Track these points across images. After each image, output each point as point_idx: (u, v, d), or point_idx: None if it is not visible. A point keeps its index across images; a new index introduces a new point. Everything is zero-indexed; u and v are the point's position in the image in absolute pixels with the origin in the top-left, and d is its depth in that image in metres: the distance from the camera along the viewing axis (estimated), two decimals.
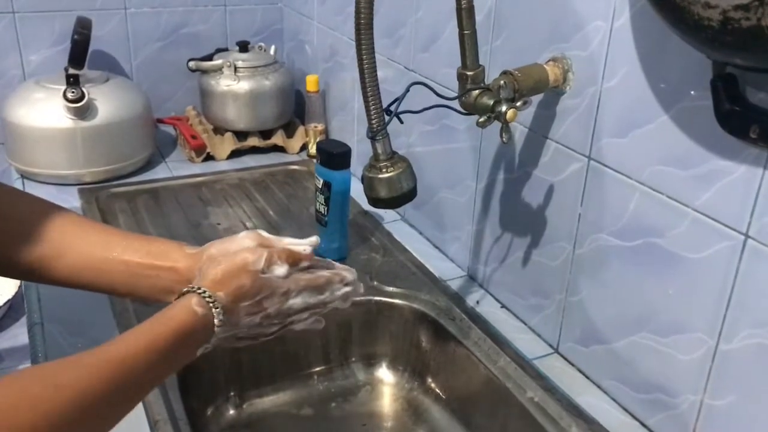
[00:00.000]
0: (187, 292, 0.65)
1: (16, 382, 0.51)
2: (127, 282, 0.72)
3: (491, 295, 1.05)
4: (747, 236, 0.66)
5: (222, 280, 0.66)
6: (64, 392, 0.51)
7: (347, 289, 0.76)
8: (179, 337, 0.62)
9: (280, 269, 0.70)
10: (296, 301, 0.71)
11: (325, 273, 0.75)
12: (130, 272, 0.71)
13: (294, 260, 0.72)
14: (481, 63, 0.79)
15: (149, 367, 0.59)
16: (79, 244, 0.71)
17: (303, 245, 0.74)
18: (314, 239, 0.76)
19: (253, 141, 1.53)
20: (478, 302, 1.04)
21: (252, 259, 0.68)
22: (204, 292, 0.65)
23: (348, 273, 0.77)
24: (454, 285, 1.08)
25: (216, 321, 0.65)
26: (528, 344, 0.94)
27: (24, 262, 0.70)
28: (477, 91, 0.79)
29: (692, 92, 0.68)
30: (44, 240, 0.70)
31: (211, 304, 0.65)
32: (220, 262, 0.68)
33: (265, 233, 0.74)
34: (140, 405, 0.80)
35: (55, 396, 0.51)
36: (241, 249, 0.70)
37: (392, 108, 0.76)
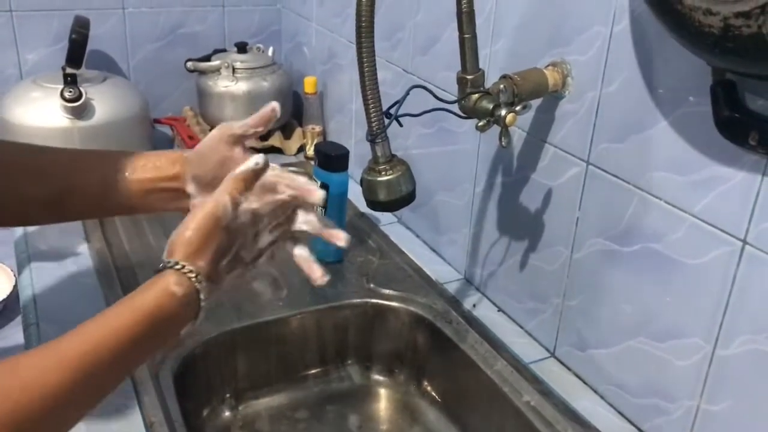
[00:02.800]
0: (164, 268, 0.60)
1: None
2: (145, 199, 0.73)
3: (488, 298, 1.05)
4: (745, 242, 0.66)
5: (198, 247, 0.61)
6: (27, 392, 0.49)
7: (311, 217, 0.71)
8: (151, 324, 0.57)
9: (248, 206, 0.65)
10: (264, 239, 0.68)
11: (286, 192, 0.70)
12: (145, 189, 0.72)
13: (249, 184, 0.66)
14: (480, 67, 0.79)
15: (114, 361, 0.55)
16: (91, 174, 0.72)
17: (253, 162, 0.68)
18: (261, 156, 0.69)
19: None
20: (474, 306, 1.04)
21: (220, 210, 0.62)
22: (182, 267, 0.60)
23: (311, 187, 0.71)
24: (451, 288, 1.08)
25: (202, 296, 0.61)
26: (524, 348, 0.94)
27: (40, 202, 0.71)
28: (476, 95, 0.79)
29: (691, 98, 0.68)
30: (56, 177, 0.71)
31: (193, 279, 0.60)
32: (187, 225, 0.62)
33: (235, 125, 0.75)
34: (135, 406, 0.80)
35: (21, 397, 0.49)
36: (199, 205, 0.65)
37: (392, 111, 0.76)
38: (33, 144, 0.77)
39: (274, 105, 0.75)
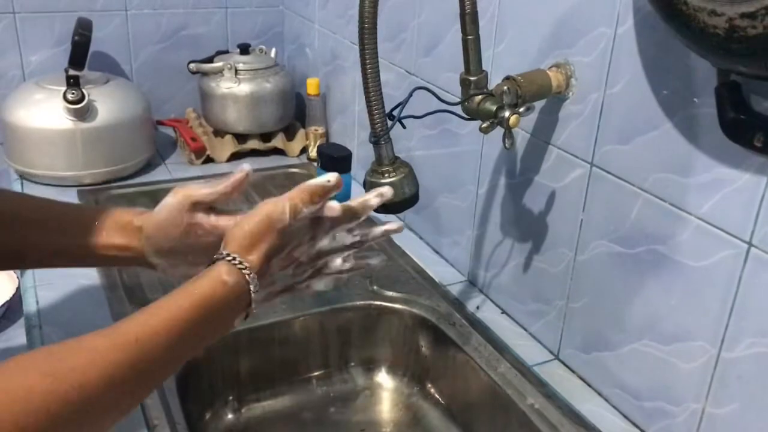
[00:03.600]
0: (216, 260, 0.62)
1: (12, 371, 0.48)
2: (103, 260, 0.71)
3: (491, 300, 1.05)
4: (750, 245, 0.65)
5: (251, 242, 0.63)
6: (63, 383, 0.48)
7: (387, 227, 0.73)
8: (206, 310, 0.58)
9: (305, 212, 0.65)
10: (324, 243, 0.69)
11: (352, 204, 0.71)
12: (102, 255, 0.70)
13: (315, 198, 0.66)
14: (484, 68, 0.79)
15: (170, 345, 0.56)
16: (50, 234, 0.70)
17: (325, 178, 0.68)
18: (335, 175, 0.69)
19: (253, 144, 1.52)
20: (478, 308, 1.04)
21: (276, 214, 0.64)
22: (233, 258, 0.62)
23: (376, 198, 0.72)
24: (454, 290, 1.07)
25: (252, 287, 0.62)
26: (528, 350, 0.94)
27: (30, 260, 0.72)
28: (480, 97, 0.79)
29: (696, 100, 0.68)
30: (13, 230, 0.69)
31: (243, 271, 0.61)
32: (245, 222, 0.64)
33: (196, 191, 0.70)
34: (138, 409, 0.80)
35: (52, 388, 0.47)
36: (263, 203, 0.66)
37: (395, 113, 0.76)
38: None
39: (247, 169, 0.71)
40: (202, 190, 0.70)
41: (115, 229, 0.70)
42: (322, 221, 0.68)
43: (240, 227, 0.64)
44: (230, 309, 0.62)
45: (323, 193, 0.67)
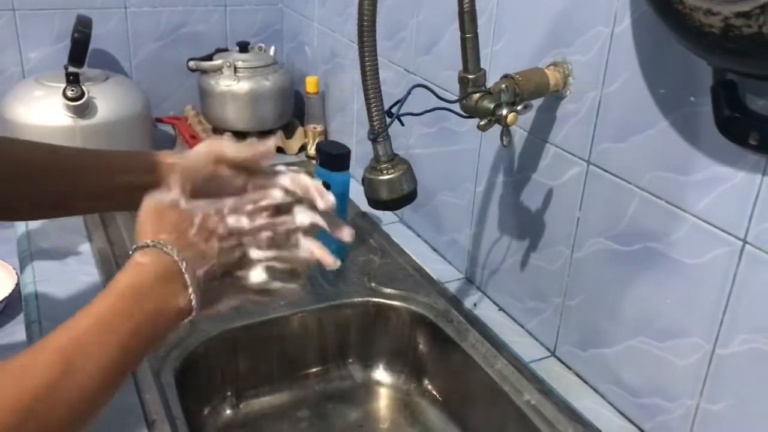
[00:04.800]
0: (134, 251, 0.60)
1: None
2: (129, 200, 0.70)
3: (489, 298, 1.05)
4: (745, 242, 0.66)
5: (150, 226, 0.61)
6: (17, 389, 0.48)
7: (314, 219, 0.68)
8: (132, 296, 0.56)
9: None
10: (241, 219, 0.64)
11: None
12: (134, 191, 0.69)
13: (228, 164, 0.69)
14: (482, 66, 0.80)
15: (103, 342, 0.53)
16: (83, 178, 0.73)
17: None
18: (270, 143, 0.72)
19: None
20: (475, 305, 1.04)
21: (155, 199, 0.63)
22: (143, 244, 0.59)
23: (316, 193, 0.69)
24: (452, 287, 1.08)
25: (176, 257, 0.58)
26: (525, 347, 0.95)
27: (47, 201, 0.73)
28: (478, 95, 0.79)
29: (692, 98, 0.69)
30: (60, 177, 0.72)
31: (158, 247, 0.58)
32: (138, 218, 0.63)
33: (226, 147, 0.71)
34: (137, 404, 0.80)
35: (13, 393, 0.47)
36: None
37: (393, 110, 0.77)
38: (40, 143, 0.76)
39: (271, 145, 0.74)
40: (228, 148, 0.72)
41: (145, 170, 0.73)
42: (224, 189, 0.68)
43: (137, 224, 0.63)
44: (161, 290, 0.58)
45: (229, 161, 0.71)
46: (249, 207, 0.65)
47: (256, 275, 0.65)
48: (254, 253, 0.65)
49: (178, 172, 0.70)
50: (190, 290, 0.59)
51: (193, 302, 0.59)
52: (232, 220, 0.64)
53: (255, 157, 0.73)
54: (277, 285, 0.67)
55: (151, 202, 0.63)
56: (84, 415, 0.52)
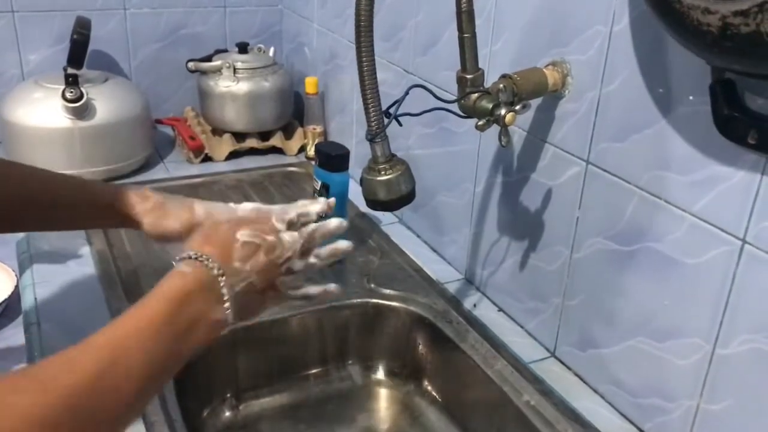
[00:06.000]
0: (178, 261, 0.64)
1: (3, 390, 0.47)
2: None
3: (488, 298, 1.05)
4: (744, 241, 0.66)
5: (201, 240, 0.67)
6: (50, 393, 0.48)
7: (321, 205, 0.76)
8: (171, 302, 0.59)
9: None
10: (286, 236, 0.71)
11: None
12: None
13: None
14: (480, 66, 0.79)
15: (144, 346, 0.55)
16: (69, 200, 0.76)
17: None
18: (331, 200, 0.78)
19: (252, 142, 1.53)
20: (475, 305, 1.04)
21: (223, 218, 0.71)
22: (188, 255, 0.63)
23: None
24: (452, 288, 1.08)
25: (215, 272, 0.62)
26: (525, 348, 0.94)
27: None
28: (476, 95, 0.79)
29: (691, 97, 0.68)
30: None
31: (201, 260, 0.63)
32: (201, 224, 0.71)
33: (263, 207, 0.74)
34: None
35: (40, 398, 0.47)
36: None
37: (391, 110, 0.76)
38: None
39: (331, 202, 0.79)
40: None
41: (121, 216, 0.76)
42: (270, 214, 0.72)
43: (197, 229, 0.71)
44: (201, 299, 0.61)
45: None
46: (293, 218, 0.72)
47: (304, 287, 0.74)
48: (296, 264, 0.71)
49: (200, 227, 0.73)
50: (227, 304, 0.63)
51: (230, 315, 0.63)
52: (285, 237, 0.70)
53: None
54: (315, 290, 0.75)
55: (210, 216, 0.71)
56: (124, 414, 0.54)
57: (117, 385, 0.52)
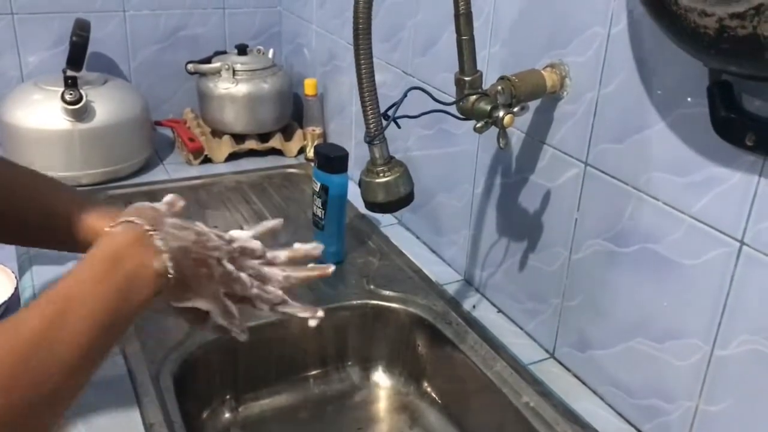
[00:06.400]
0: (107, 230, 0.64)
1: None
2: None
3: (488, 299, 1.05)
4: (742, 243, 0.66)
5: (132, 211, 0.65)
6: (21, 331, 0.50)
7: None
8: (106, 263, 0.59)
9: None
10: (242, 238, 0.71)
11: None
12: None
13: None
14: (478, 68, 0.79)
15: (86, 302, 0.56)
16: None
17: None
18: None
19: (251, 144, 1.53)
20: (474, 306, 1.04)
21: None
22: (117, 221, 0.64)
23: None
24: (451, 289, 1.08)
25: (146, 228, 0.62)
26: (524, 349, 0.95)
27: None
28: (474, 97, 0.79)
29: (689, 99, 0.69)
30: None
31: (127, 222, 0.63)
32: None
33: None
34: (135, 408, 0.80)
35: (11, 340, 0.49)
36: None
37: (390, 112, 0.77)
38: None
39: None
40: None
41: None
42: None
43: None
44: (132, 253, 0.61)
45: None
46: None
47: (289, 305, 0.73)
48: (227, 266, 0.69)
49: None
50: (165, 255, 0.62)
51: (170, 266, 0.62)
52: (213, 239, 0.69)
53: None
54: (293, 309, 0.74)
55: (132, 205, 0.67)
56: (74, 372, 0.53)
57: (64, 338, 0.53)
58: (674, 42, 0.62)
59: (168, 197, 0.72)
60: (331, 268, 0.77)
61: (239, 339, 0.74)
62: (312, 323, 0.74)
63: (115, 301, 0.58)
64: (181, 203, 0.72)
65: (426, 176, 1.15)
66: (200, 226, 0.69)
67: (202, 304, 0.68)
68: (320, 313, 0.74)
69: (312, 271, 0.76)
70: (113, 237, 0.62)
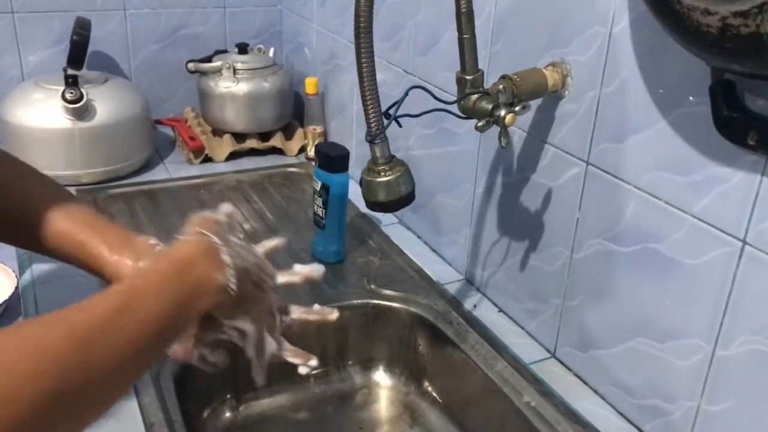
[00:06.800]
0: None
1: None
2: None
3: (489, 299, 1.05)
4: (745, 242, 0.66)
5: (199, 224, 0.68)
6: (60, 326, 0.50)
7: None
8: (180, 264, 0.61)
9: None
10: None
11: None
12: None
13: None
14: (480, 67, 0.79)
15: (154, 298, 0.57)
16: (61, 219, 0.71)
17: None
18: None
19: (252, 143, 1.53)
20: (475, 306, 1.04)
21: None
22: (189, 232, 0.66)
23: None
24: (452, 289, 1.08)
25: (216, 240, 0.65)
26: (525, 349, 0.94)
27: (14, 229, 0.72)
28: (476, 96, 0.79)
29: (691, 98, 0.68)
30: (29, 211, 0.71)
31: (199, 233, 0.66)
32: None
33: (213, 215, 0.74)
34: (135, 407, 0.80)
35: (49, 330, 0.50)
36: None
37: (391, 111, 0.76)
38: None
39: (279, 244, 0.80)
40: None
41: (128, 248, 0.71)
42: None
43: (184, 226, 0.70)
44: (203, 262, 0.63)
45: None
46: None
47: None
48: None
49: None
50: (230, 271, 0.64)
51: (232, 283, 0.64)
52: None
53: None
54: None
55: (197, 215, 0.70)
56: (125, 368, 0.54)
57: (127, 327, 0.53)
58: (677, 41, 0.61)
59: (226, 207, 0.74)
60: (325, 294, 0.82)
61: (256, 380, 0.77)
62: (302, 371, 0.78)
63: (177, 305, 0.60)
64: (238, 215, 0.75)
65: (427, 175, 1.14)
66: (255, 249, 0.73)
67: (247, 325, 0.71)
68: (313, 362, 0.79)
69: (317, 315, 0.81)
70: (187, 244, 0.64)
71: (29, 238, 0.72)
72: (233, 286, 0.65)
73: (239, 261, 0.66)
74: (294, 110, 1.60)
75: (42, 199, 0.72)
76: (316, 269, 0.79)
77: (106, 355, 0.51)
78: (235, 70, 1.48)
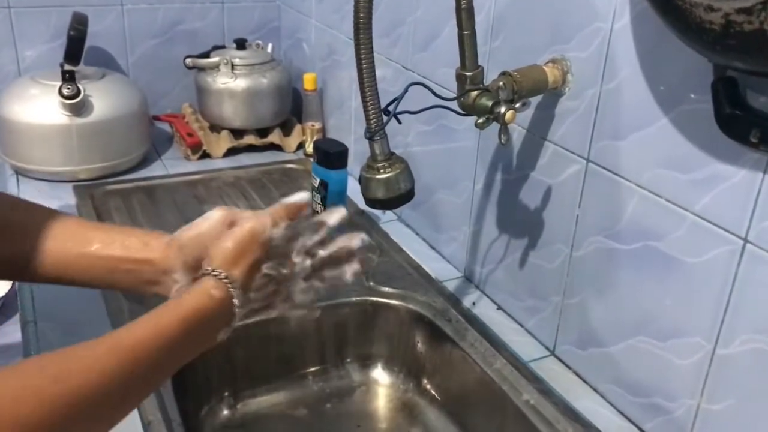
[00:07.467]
0: (203, 275, 0.65)
1: (16, 374, 0.49)
2: (106, 277, 0.70)
3: (488, 296, 1.05)
4: (746, 241, 0.65)
5: (234, 256, 0.66)
6: (66, 385, 0.50)
7: (354, 267, 0.76)
8: (192, 323, 0.61)
9: (282, 226, 0.70)
10: (299, 261, 0.72)
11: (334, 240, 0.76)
12: (108, 267, 0.69)
13: (292, 215, 0.72)
14: (480, 64, 0.79)
15: (159, 354, 0.58)
16: (56, 241, 0.69)
17: (298, 196, 0.74)
18: (305, 194, 0.75)
19: (250, 139, 1.52)
20: (474, 303, 1.03)
21: (259, 227, 0.68)
22: (219, 273, 0.65)
23: (354, 240, 0.77)
24: (451, 286, 1.07)
25: (236, 302, 0.65)
26: (524, 346, 0.94)
27: (3, 259, 0.68)
28: (476, 92, 0.78)
29: (692, 95, 0.68)
30: (22, 237, 0.69)
31: (228, 286, 0.64)
32: (227, 238, 0.67)
33: (233, 208, 0.73)
34: None
35: (57, 390, 0.49)
36: (243, 218, 0.69)
37: (390, 108, 0.76)
38: (4, 196, 0.74)
39: (302, 199, 0.75)
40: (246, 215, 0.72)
41: (139, 242, 0.70)
42: (296, 236, 0.72)
43: (223, 243, 0.67)
44: (215, 322, 0.64)
45: (297, 210, 0.72)
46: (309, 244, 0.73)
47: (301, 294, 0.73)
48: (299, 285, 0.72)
49: (183, 250, 0.70)
50: (233, 325, 0.66)
51: (237, 322, 0.66)
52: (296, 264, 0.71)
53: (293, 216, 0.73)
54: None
55: (249, 229, 0.68)
56: (113, 416, 0.55)
57: (123, 386, 0.55)
58: (679, 38, 0.61)
59: (300, 196, 0.73)
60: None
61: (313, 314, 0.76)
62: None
63: (180, 355, 0.61)
64: (283, 224, 0.71)
65: (426, 172, 1.14)
66: (291, 262, 0.71)
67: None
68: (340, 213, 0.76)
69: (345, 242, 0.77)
70: (211, 301, 0.63)
71: (34, 265, 0.70)
72: (237, 323, 0.66)
73: (246, 312, 0.67)
74: (292, 106, 1.59)
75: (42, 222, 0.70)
76: (301, 196, 0.75)
77: (101, 408, 0.53)
78: (233, 66, 1.48)
